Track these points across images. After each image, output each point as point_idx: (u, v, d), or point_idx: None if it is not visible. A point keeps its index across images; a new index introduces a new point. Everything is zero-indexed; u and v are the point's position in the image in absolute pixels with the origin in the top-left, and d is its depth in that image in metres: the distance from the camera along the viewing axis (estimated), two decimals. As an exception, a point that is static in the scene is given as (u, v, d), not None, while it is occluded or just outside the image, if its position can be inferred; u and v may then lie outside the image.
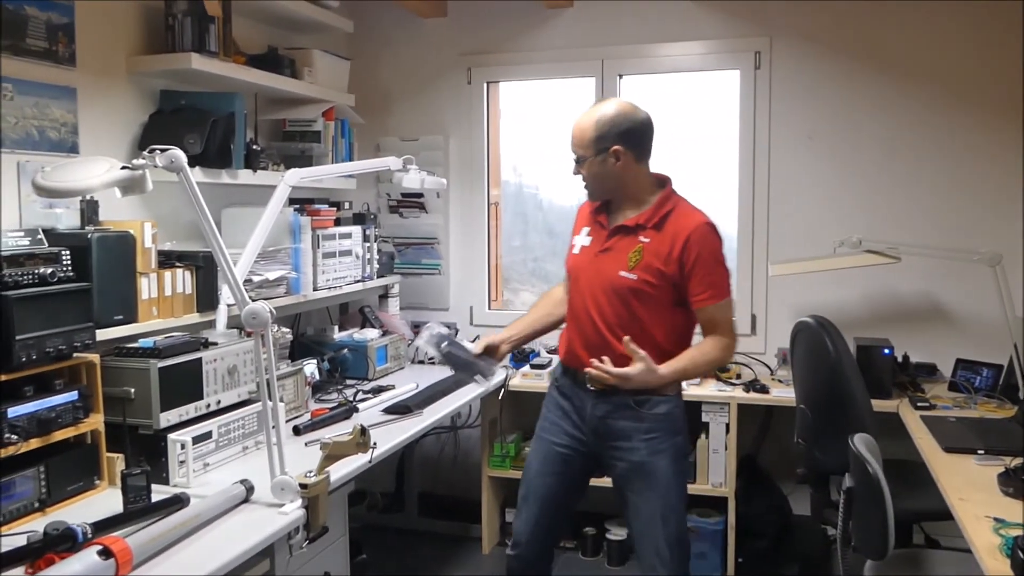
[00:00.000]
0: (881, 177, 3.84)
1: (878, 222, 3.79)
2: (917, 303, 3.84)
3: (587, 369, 2.43)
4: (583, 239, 2.64)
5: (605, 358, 2.43)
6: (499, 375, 3.26)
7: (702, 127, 4.19)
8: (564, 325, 2.73)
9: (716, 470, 3.65)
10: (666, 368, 2.45)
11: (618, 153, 2.48)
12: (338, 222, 3.66)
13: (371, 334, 3.78)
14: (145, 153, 2.08)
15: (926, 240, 3.67)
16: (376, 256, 3.91)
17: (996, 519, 2.12)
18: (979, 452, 2.66)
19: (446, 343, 2.68)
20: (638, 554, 2.59)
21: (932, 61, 3.74)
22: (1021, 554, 1.80)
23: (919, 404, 3.30)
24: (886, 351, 3.52)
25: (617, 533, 3.84)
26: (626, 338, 2.41)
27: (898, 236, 3.67)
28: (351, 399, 3.21)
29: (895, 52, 3.77)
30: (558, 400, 2.68)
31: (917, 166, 3.79)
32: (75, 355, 2.21)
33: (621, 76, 4.13)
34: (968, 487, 2.38)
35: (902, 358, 3.71)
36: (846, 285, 3.87)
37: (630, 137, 2.49)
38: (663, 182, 2.60)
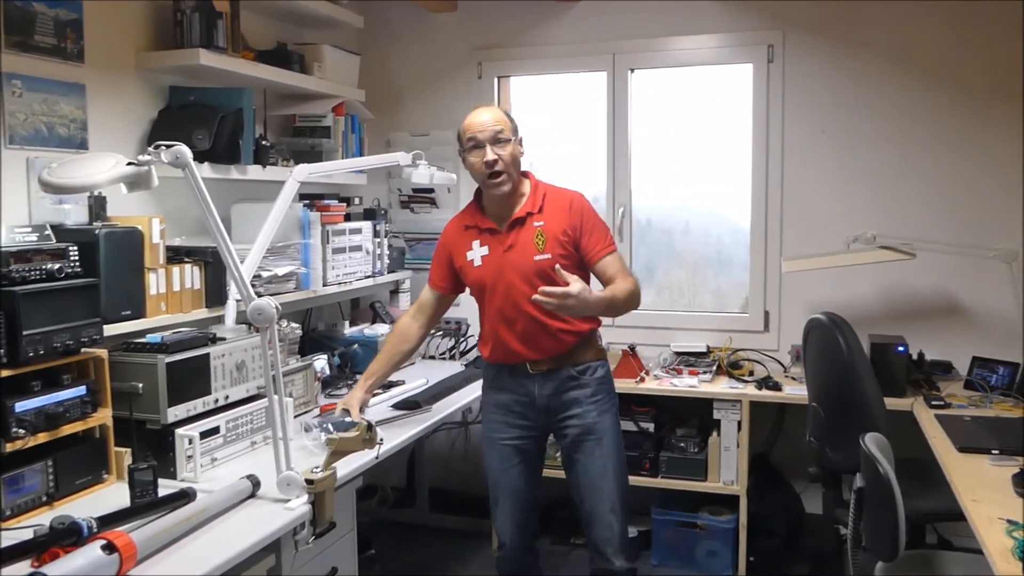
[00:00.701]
0: (896, 172, 3.80)
1: (892, 218, 3.75)
2: (932, 300, 3.80)
3: (535, 296, 2.44)
4: (478, 251, 2.74)
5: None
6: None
7: (714, 122, 4.16)
8: (479, 334, 2.87)
9: (728, 468, 3.63)
10: (597, 294, 2.55)
11: (521, 142, 2.75)
12: (348, 217, 3.66)
13: (382, 329, 3.77)
14: (150, 149, 2.08)
15: (941, 236, 3.63)
16: (386, 251, 3.91)
17: (1009, 521, 2.08)
18: (993, 452, 2.62)
19: (316, 426, 2.66)
20: (591, 510, 2.72)
21: (947, 55, 3.69)
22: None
23: (934, 403, 3.26)
24: (900, 349, 3.48)
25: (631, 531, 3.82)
26: (556, 266, 2.52)
27: (913, 232, 3.62)
28: (361, 395, 3.20)
29: (909, 45, 3.73)
30: (496, 399, 2.82)
31: (932, 161, 3.75)
32: (83, 350, 2.21)
33: (632, 70, 4.10)
34: (981, 488, 2.35)
35: (917, 356, 3.66)
36: (860, 282, 3.83)
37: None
38: (526, 175, 2.80)
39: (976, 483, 2.39)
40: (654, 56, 4.08)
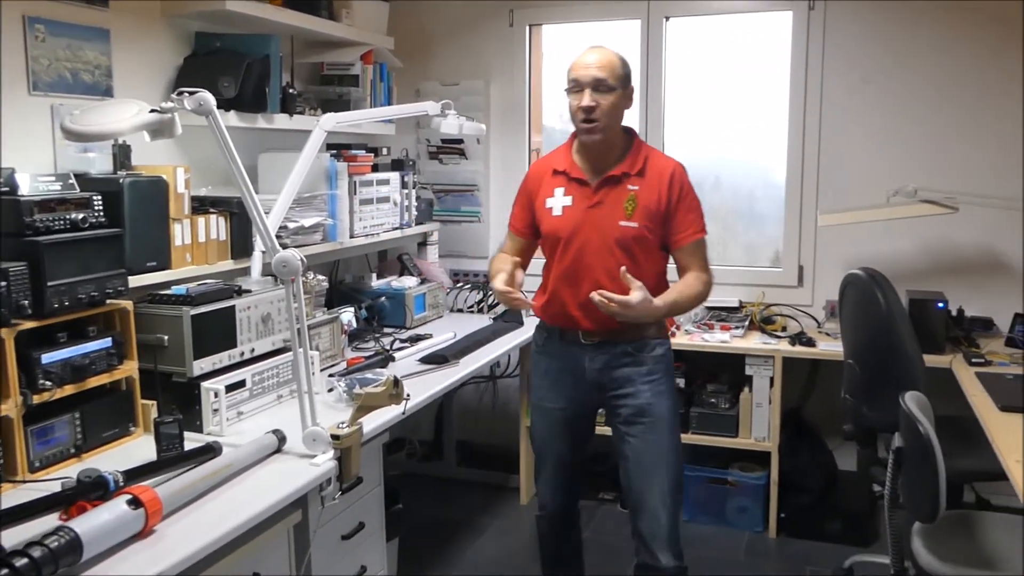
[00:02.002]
0: (939, 123, 3.66)
1: (935, 170, 3.63)
2: (974, 255, 3.69)
3: (592, 294, 2.32)
4: (560, 200, 2.55)
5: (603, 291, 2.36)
6: None
7: (751, 72, 4.03)
8: (539, 286, 2.68)
9: (759, 424, 3.58)
10: (660, 300, 2.42)
11: (631, 94, 2.53)
12: (376, 168, 3.61)
13: (409, 282, 3.74)
14: (174, 96, 2.03)
15: (985, 189, 3.50)
16: (415, 203, 3.85)
17: (1053, 482, 2.03)
18: (1036, 411, 2.55)
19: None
20: (638, 497, 2.54)
21: (996, 1, 3.53)
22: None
23: (974, 360, 3.19)
24: (940, 304, 3.40)
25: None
26: (622, 268, 2.37)
27: (955, 185, 3.50)
28: (388, 348, 3.18)
29: (958, -10, 3.57)
30: (547, 365, 2.66)
31: (977, 111, 3.61)
32: (108, 302, 2.19)
33: (668, 18, 3.98)
34: (1024, 449, 2.28)
35: (956, 312, 3.58)
36: (899, 236, 3.73)
37: (631, 83, 2.55)
38: (630, 132, 2.60)
39: (1019, 443, 2.33)
40: (690, 4, 3.95)
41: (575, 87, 2.45)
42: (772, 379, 3.53)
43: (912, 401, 2.20)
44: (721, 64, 4.08)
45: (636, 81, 3.99)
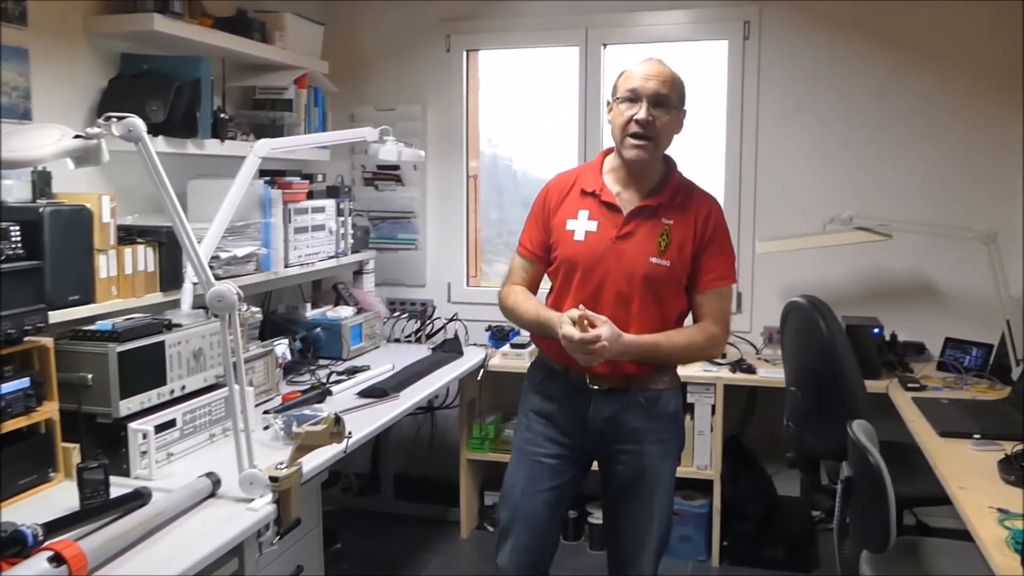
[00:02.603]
0: (873, 152, 3.74)
1: (869, 198, 3.70)
2: (907, 281, 3.76)
3: (572, 311, 2.09)
4: (584, 224, 2.28)
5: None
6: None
7: (688, 100, 4.04)
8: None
9: (701, 452, 3.56)
10: (634, 338, 2.17)
11: (683, 120, 2.32)
12: (311, 195, 3.51)
13: (345, 312, 3.64)
14: (100, 121, 1.92)
15: (915, 216, 3.58)
16: (350, 231, 3.77)
17: (1000, 510, 2.04)
18: (975, 436, 2.59)
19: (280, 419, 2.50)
20: (627, 554, 2.36)
21: (926, 32, 3.63)
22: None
23: (909, 385, 3.23)
24: (876, 330, 3.45)
25: (599, 517, 3.75)
26: (580, 306, 2.12)
27: (889, 213, 3.57)
28: (324, 381, 3.08)
29: (888, 22, 3.66)
30: (542, 406, 2.37)
31: (910, 141, 3.70)
32: (26, 339, 2.05)
33: (605, 45, 3.98)
34: (967, 475, 2.31)
35: (890, 337, 3.63)
36: (834, 262, 3.78)
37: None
38: (669, 160, 2.37)
39: (961, 469, 2.35)
40: (628, 31, 3.97)
41: (630, 97, 2.22)
42: (713, 406, 3.52)
43: (860, 430, 2.20)
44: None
45: (574, 107, 4.06)
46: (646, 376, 2.28)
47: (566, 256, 2.30)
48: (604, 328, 2.09)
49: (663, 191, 2.28)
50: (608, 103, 2.33)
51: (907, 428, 2.82)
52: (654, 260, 2.22)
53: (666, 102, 2.22)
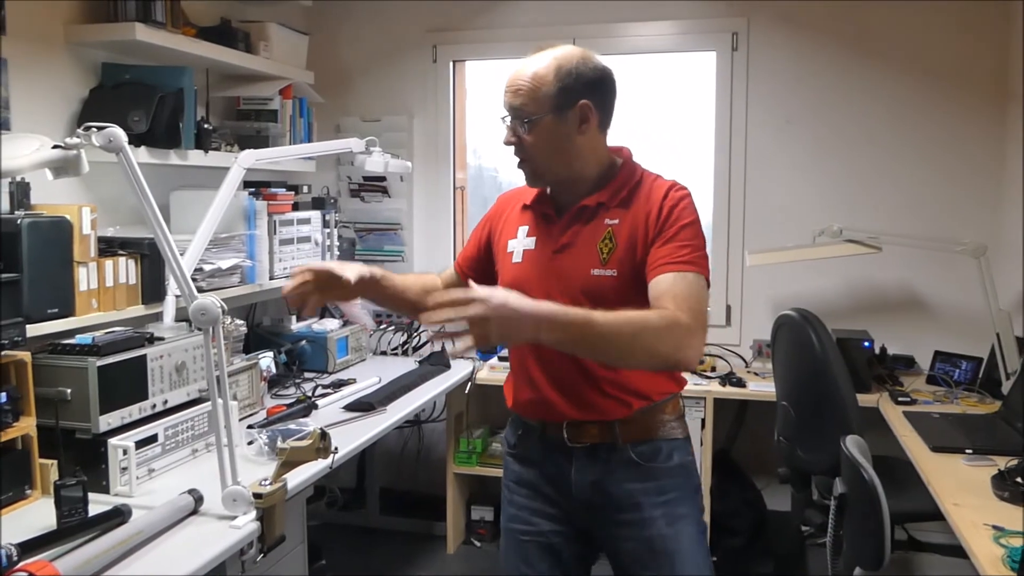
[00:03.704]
0: (862, 164, 3.73)
1: (859, 210, 3.69)
2: (896, 294, 3.75)
3: (423, 315, 1.52)
4: (522, 242, 1.93)
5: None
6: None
7: (675, 111, 4.04)
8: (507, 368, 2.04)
9: (691, 466, 3.52)
10: (537, 303, 1.54)
11: (586, 111, 1.82)
12: (296, 207, 3.48)
13: (331, 325, 3.60)
14: (80, 131, 1.88)
15: (908, 229, 3.57)
16: (336, 243, 3.73)
17: (995, 527, 2.01)
18: (967, 451, 2.57)
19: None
20: None
21: (915, 44, 3.63)
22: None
23: (900, 399, 3.21)
24: (866, 344, 3.43)
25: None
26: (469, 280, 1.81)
27: (879, 226, 3.56)
28: (310, 395, 3.03)
29: (877, 34, 3.66)
30: (519, 474, 1.98)
31: (900, 153, 3.69)
32: (3, 353, 2.00)
33: (593, 56, 3.96)
34: (960, 491, 2.28)
35: (879, 350, 3.62)
36: (824, 275, 3.77)
37: (598, 91, 1.85)
38: (620, 156, 1.95)
39: (954, 485, 2.32)
40: (615, 42, 3.95)
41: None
42: (703, 421, 3.49)
43: (853, 446, 2.18)
44: (646, 102, 4.09)
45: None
46: (637, 424, 1.86)
47: (505, 282, 1.92)
48: (481, 290, 1.51)
49: (604, 188, 1.87)
50: None
51: (897, 442, 2.80)
52: (595, 272, 1.81)
53: (531, 117, 1.80)
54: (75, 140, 1.88)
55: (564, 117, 1.81)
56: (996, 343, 3.25)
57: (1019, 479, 2.16)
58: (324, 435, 2.06)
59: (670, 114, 4.05)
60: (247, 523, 1.93)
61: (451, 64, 4.14)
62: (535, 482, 1.95)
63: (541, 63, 1.82)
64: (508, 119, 1.84)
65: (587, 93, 1.82)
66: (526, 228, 1.95)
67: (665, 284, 1.70)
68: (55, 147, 1.88)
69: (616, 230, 1.82)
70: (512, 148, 1.85)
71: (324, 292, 1.97)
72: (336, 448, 2.15)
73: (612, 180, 1.88)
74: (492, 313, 1.47)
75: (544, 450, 1.92)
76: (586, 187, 1.88)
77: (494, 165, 4.43)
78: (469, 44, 4.11)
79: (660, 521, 1.85)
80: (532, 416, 1.94)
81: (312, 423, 2.63)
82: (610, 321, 1.56)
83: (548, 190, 1.94)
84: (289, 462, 2.02)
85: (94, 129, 1.87)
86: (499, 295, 1.50)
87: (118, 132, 1.88)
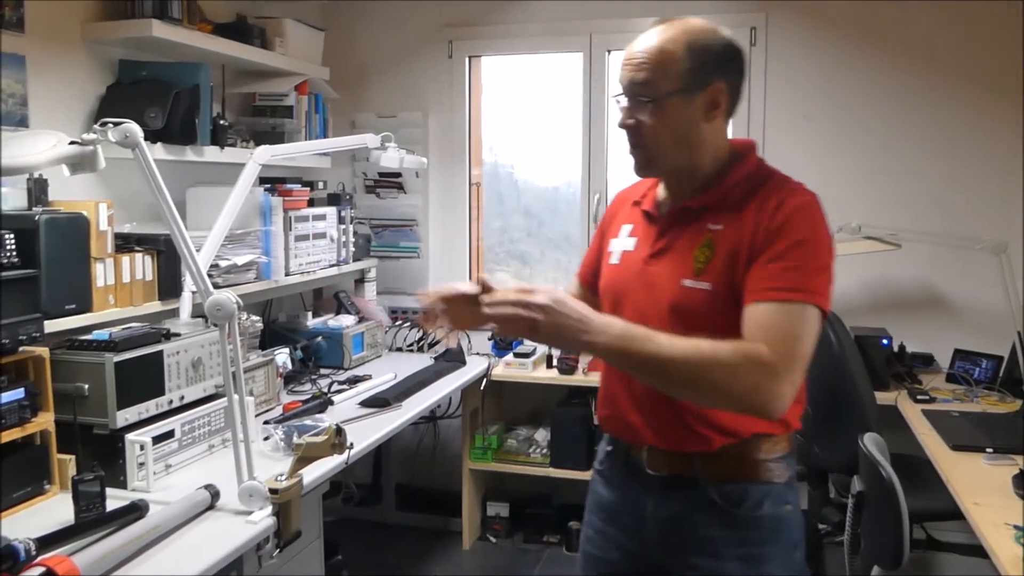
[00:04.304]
0: (881, 160, 3.69)
1: (877, 207, 3.65)
2: (915, 291, 3.71)
3: (483, 297, 1.44)
4: (623, 242, 1.73)
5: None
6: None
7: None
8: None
9: (707, 464, 3.51)
10: (591, 312, 1.41)
11: (717, 95, 1.56)
12: (311, 203, 3.48)
13: (347, 321, 3.60)
14: (96, 127, 1.89)
15: (928, 226, 3.53)
16: (352, 239, 3.73)
17: (1016, 527, 2.00)
18: (988, 451, 2.55)
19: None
20: None
21: (935, 39, 3.58)
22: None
23: (919, 397, 3.18)
24: (884, 341, 3.40)
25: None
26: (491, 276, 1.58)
27: (898, 222, 3.52)
28: (326, 391, 3.03)
29: (897, 29, 3.62)
30: (601, 494, 1.79)
31: (919, 149, 3.65)
32: (21, 349, 2.01)
33: (610, 52, 3.94)
34: (981, 490, 2.26)
35: (898, 348, 3.58)
36: (842, 272, 3.64)
37: (732, 73, 1.60)
38: (741, 150, 1.67)
39: (974, 484, 2.31)
40: (632, 37, 3.91)
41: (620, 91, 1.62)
42: (720, 417, 3.47)
43: (872, 444, 2.16)
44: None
45: (578, 114, 4.01)
46: (722, 460, 1.59)
47: (601, 286, 1.77)
48: (543, 293, 1.40)
49: (712, 189, 1.61)
50: None
51: (915, 440, 2.78)
52: (687, 283, 1.56)
53: (644, 93, 1.55)
54: (92, 136, 1.89)
55: (692, 99, 1.56)
56: (1017, 341, 3.21)
57: (1041, 478, 2.13)
58: (340, 431, 2.06)
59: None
60: (263, 518, 1.93)
61: (467, 60, 4.13)
62: (612, 508, 1.75)
63: (668, 33, 1.57)
64: (623, 99, 1.60)
65: (720, 74, 1.57)
66: (630, 227, 1.74)
67: (758, 315, 1.46)
68: (72, 143, 1.89)
69: (718, 236, 1.56)
70: (626, 131, 1.60)
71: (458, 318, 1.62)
72: (352, 444, 2.16)
73: (726, 177, 1.61)
74: (551, 303, 1.37)
75: (625, 473, 1.72)
76: (697, 183, 1.63)
77: (510, 161, 4.42)
78: (485, 40, 4.09)
79: (735, 568, 1.60)
80: (615, 432, 1.75)
81: (328, 419, 2.64)
82: (675, 345, 1.39)
83: (660, 191, 1.72)
84: (305, 458, 2.02)
85: (110, 125, 1.88)
86: (558, 293, 1.41)
87: (134, 128, 1.88)
